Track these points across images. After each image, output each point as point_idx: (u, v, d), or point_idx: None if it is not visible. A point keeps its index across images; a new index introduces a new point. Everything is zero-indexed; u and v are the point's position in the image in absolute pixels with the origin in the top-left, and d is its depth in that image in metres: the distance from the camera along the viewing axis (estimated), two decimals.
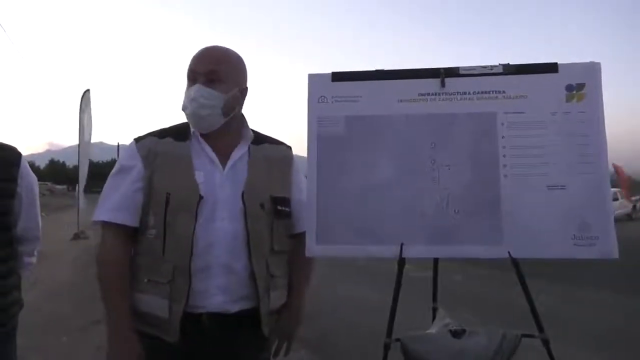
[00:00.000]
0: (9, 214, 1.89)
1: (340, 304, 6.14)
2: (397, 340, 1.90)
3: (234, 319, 1.63)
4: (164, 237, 1.58)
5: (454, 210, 1.93)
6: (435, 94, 2.01)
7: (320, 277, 7.49)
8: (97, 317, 5.38)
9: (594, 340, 5.00)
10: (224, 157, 1.70)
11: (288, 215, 1.81)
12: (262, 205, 1.68)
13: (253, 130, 1.85)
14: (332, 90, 2.05)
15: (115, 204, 1.62)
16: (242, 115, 1.84)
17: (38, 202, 2.05)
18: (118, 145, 65.18)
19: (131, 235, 1.66)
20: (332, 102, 2.03)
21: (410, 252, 1.92)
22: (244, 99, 1.78)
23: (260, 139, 1.85)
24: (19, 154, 2.00)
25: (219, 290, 1.61)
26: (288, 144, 1.95)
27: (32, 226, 2.00)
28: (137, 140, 1.72)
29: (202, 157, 1.68)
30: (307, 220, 1.92)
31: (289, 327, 1.84)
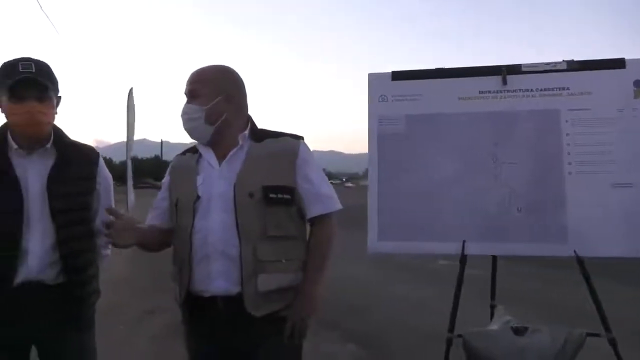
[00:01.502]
0: (89, 209, 2.00)
1: (389, 300, 6.13)
2: (459, 336, 1.91)
3: (237, 301, 1.74)
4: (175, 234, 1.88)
5: (517, 208, 1.93)
6: (497, 92, 2.00)
7: (369, 274, 7.49)
8: (151, 308, 5.63)
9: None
10: (223, 159, 1.85)
11: (287, 202, 1.82)
12: (250, 195, 1.76)
13: (260, 129, 1.94)
14: (392, 89, 2.07)
15: (151, 212, 1.99)
16: (248, 118, 1.95)
17: (113, 198, 2.18)
18: (161, 142, 66.90)
19: (165, 232, 1.94)
20: (393, 101, 2.06)
21: (472, 250, 1.93)
22: (235, 105, 1.89)
23: (262, 136, 1.91)
24: (97, 154, 2.13)
25: (220, 275, 1.76)
26: (299, 135, 1.95)
27: (105, 220, 2.12)
28: (173, 159, 2.07)
29: (204, 162, 1.88)
30: (368, 217, 1.96)
31: (298, 310, 1.88)
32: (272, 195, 1.78)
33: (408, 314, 5.42)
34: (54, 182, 1.85)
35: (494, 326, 2.03)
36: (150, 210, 1.98)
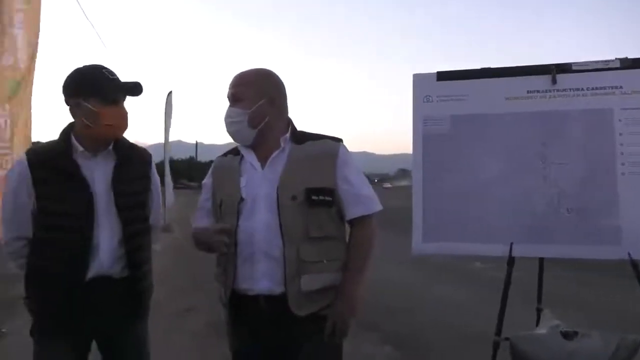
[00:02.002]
0: (147, 206, 2.10)
1: (427, 302, 6.07)
2: (506, 339, 1.88)
3: (280, 300, 1.77)
4: None
5: (566, 209, 1.89)
6: (546, 91, 1.97)
7: (407, 276, 7.43)
8: (190, 306, 5.76)
9: None
10: (265, 161, 1.88)
11: (328, 203, 1.85)
12: (293, 197, 1.79)
13: (300, 131, 1.97)
14: (437, 89, 2.06)
15: (196, 213, 2.04)
16: (288, 120, 1.99)
17: (160, 196, 2.27)
18: (196, 144, 68.11)
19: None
20: (438, 101, 2.05)
21: (519, 251, 1.90)
22: (276, 108, 1.92)
23: (303, 138, 1.93)
24: (150, 154, 2.23)
25: (264, 275, 1.80)
26: (338, 137, 1.97)
27: (158, 217, 2.22)
28: (215, 161, 2.11)
29: (246, 164, 1.92)
30: (413, 218, 1.95)
31: (339, 310, 1.88)
32: (314, 197, 1.81)
33: (446, 316, 5.36)
34: (118, 182, 1.95)
35: (542, 330, 1.99)
36: (196, 210, 2.03)
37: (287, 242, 1.78)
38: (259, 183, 1.86)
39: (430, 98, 2.04)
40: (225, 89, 1.99)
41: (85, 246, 1.86)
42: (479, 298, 5.87)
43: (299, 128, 1.99)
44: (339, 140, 1.95)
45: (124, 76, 1.97)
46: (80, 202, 1.87)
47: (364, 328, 4.76)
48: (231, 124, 1.90)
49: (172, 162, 17.85)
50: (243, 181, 1.88)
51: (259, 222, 1.82)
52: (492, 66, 2.12)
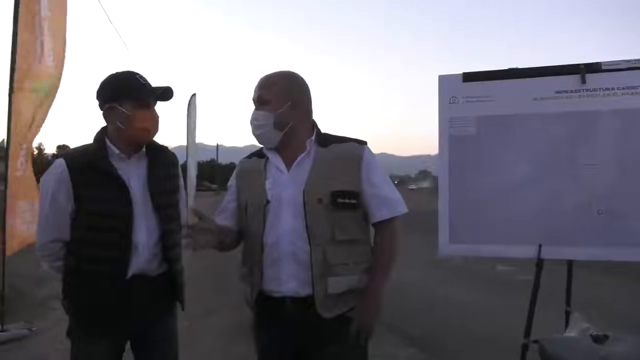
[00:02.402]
0: (178, 205, 2.15)
1: (449, 304, 6.03)
2: (535, 341, 1.86)
3: (306, 302, 1.78)
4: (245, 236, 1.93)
5: (598, 211, 1.86)
6: (575, 91, 1.94)
7: (427, 278, 7.39)
8: (214, 307, 5.81)
9: None
10: (290, 164, 1.89)
11: (353, 206, 1.85)
12: (319, 200, 1.80)
13: (324, 134, 1.96)
14: (463, 90, 2.05)
15: (218, 212, 2.03)
16: (313, 123, 1.97)
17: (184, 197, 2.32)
18: (217, 146, 68.72)
19: (237, 233, 1.98)
20: (464, 102, 2.04)
21: (548, 254, 1.87)
22: (302, 110, 1.92)
23: (328, 141, 1.93)
24: (176, 156, 2.28)
25: (290, 277, 1.81)
26: (363, 140, 1.98)
27: (184, 217, 2.26)
28: (239, 163, 2.12)
29: (271, 166, 1.92)
30: (439, 219, 1.95)
31: (364, 312, 1.88)
32: (339, 200, 1.82)
33: (469, 319, 5.31)
34: (152, 182, 2.00)
35: (571, 333, 1.96)
36: (218, 212, 2.04)
37: (314, 244, 1.79)
38: (285, 186, 1.87)
39: (456, 99, 2.03)
40: (246, 92, 2.00)
41: (125, 245, 1.91)
42: (503, 301, 5.80)
43: (322, 130, 2.00)
44: (364, 143, 1.95)
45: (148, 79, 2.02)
46: (119, 203, 1.92)
47: (387, 330, 4.74)
48: (257, 127, 1.91)
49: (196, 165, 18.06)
50: (268, 184, 1.88)
51: (285, 225, 1.83)
52: (519, 67, 2.09)
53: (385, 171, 1.99)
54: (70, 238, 1.96)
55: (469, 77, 2.05)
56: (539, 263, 1.84)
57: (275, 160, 1.93)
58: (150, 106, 1.98)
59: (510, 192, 1.92)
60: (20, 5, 4.68)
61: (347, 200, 1.83)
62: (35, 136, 5.20)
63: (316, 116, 2.00)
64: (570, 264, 2.18)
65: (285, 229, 1.82)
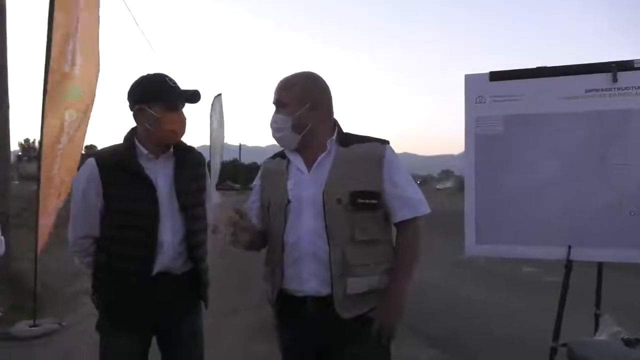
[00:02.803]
0: (202, 205, 2.19)
1: (471, 306, 5.96)
2: (564, 345, 1.83)
3: (327, 302, 1.79)
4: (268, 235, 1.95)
5: (629, 212, 1.81)
6: (606, 90, 1.90)
7: (449, 279, 7.33)
8: (237, 306, 5.87)
9: None
10: (311, 164, 1.90)
11: (374, 206, 1.84)
12: (338, 200, 1.80)
13: (346, 133, 1.96)
14: (490, 90, 2.03)
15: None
16: (334, 122, 1.97)
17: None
18: (240, 146, 69.24)
19: (260, 234, 1.98)
20: (491, 101, 2.01)
21: (577, 255, 1.84)
22: (322, 111, 1.93)
23: (350, 141, 1.93)
24: (203, 156, 2.32)
25: (311, 276, 1.82)
26: (385, 139, 1.96)
27: (210, 216, 2.30)
28: (263, 163, 2.14)
29: (293, 167, 1.93)
30: (465, 219, 1.93)
31: (385, 313, 1.86)
32: (359, 201, 1.82)
33: (492, 321, 5.24)
34: (179, 182, 2.05)
35: (601, 336, 1.93)
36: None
37: (333, 245, 1.80)
38: (306, 186, 1.88)
39: (483, 99, 2.01)
40: (268, 92, 2.02)
41: (151, 243, 1.96)
42: (529, 303, 5.71)
43: (343, 130, 2.00)
44: (386, 142, 1.94)
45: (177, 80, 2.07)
46: (147, 202, 1.97)
47: (408, 331, 4.72)
48: (276, 130, 1.92)
49: (220, 164, 18.22)
50: (290, 184, 1.90)
51: (306, 225, 1.84)
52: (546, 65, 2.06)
53: (408, 171, 1.98)
54: (100, 235, 2.02)
55: (496, 76, 2.02)
56: (568, 265, 1.81)
57: (296, 161, 1.94)
58: (178, 109, 2.03)
59: (539, 192, 1.89)
60: (55, 7, 4.78)
61: (367, 201, 1.83)
62: (71, 136, 5.22)
63: (338, 115, 2.01)
64: (600, 266, 2.13)
65: (305, 228, 1.84)
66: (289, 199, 1.87)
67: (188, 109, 2.09)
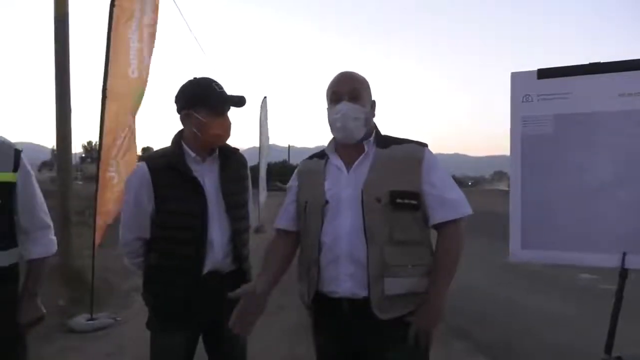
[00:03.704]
0: (245, 206, 2.24)
1: (520, 311, 5.75)
2: (618, 358, 1.72)
3: (364, 304, 1.76)
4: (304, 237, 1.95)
5: None
6: None
7: (498, 283, 7.10)
8: (280, 305, 5.94)
9: None
10: (350, 164, 1.90)
11: (413, 207, 1.82)
12: (378, 199, 1.78)
13: (384, 135, 1.97)
14: (537, 88, 1.93)
15: (280, 214, 2.06)
16: (374, 124, 1.97)
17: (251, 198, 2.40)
18: (289, 147, 70.11)
19: (293, 236, 2.02)
20: (538, 100, 1.92)
21: (633, 263, 1.72)
22: (375, 113, 1.97)
23: (388, 142, 1.93)
24: (245, 158, 2.35)
25: (348, 277, 1.80)
26: (423, 142, 1.95)
27: (252, 216, 2.35)
28: (300, 163, 2.14)
29: (331, 167, 1.94)
30: (510, 223, 1.85)
31: (423, 318, 1.79)
32: (399, 201, 1.80)
33: (543, 328, 5.03)
34: (224, 183, 2.11)
35: None
36: (280, 214, 2.08)
37: (371, 244, 1.78)
38: (344, 186, 1.88)
39: (530, 97, 1.92)
40: (314, 95, 2.02)
41: (201, 243, 2.02)
42: (583, 311, 5.44)
43: (390, 130, 1.99)
44: (424, 145, 1.93)
45: (222, 82, 2.11)
46: (196, 203, 2.03)
47: (455, 336, 4.61)
48: (351, 120, 1.88)
49: (266, 165, 18.51)
50: (328, 184, 1.90)
51: (343, 225, 1.83)
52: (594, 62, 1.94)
53: (448, 172, 1.94)
54: (150, 235, 2.09)
55: (544, 73, 1.93)
56: (623, 273, 1.70)
57: (336, 160, 1.95)
58: (224, 114, 2.09)
59: (591, 196, 1.78)
60: (116, 7, 4.97)
61: (406, 201, 1.81)
62: (127, 139, 5.41)
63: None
64: None
65: (343, 228, 1.83)
66: (326, 200, 1.87)
67: (237, 112, 2.14)
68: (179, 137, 2.12)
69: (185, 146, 2.08)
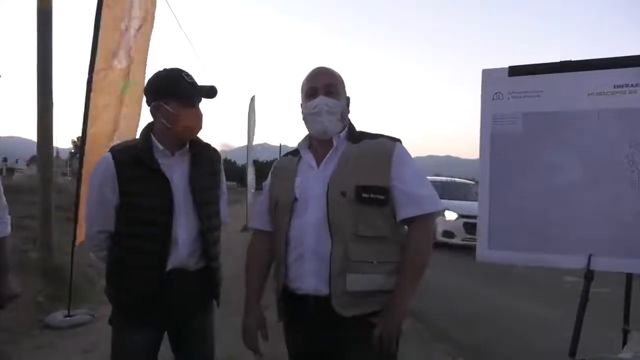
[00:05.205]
0: (217, 202, 2.16)
1: (500, 313, 5.74)
2: None
3: (328, 301, 1.74)
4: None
5: None
6: (636, 85, 1.74)
7: (478, 285, 7.09)
8: (265, 304, 5.89)
9: None
10: (321, 160, 1.88)
11: (380, 202, 1.78)
12: (343, 194, 1.77)
13: (359, 131, 1.95)
14: (508, 85, 1.91)
15: (255, 214, 2.08)
16: (349, 120, 1.96)
17: (226, 194, 2.34)
18: (280, 146, 70.20)
19: (270, 235, 1.99)
20: (509, 98, 1.89)
21: (599, 265, 1.70)
22: (349, 108, 1.96)
23: (360, 137, 1.91)
24: (219, 153, 2.29)
25: (312, 274, 1.79)
26: (396, 137, 1.92)
27: (225, 214, 2.28)
28: (275, 162, 2.13)
29: (304, 164, 1.93)
30: (478, 222, 1.82)
31: (388, 318, 1.77)
32: (364, 195, 1.77)
33: (525, 330, 5.02)
34: (194, 178, 2.03)
35: (626, 355, 1.76)
36: (256, 215, 2.06)
37: (335, 239, 1.75)
38: (312, 182, 1.86)
39: (501, 95, 1.89)
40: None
41: (165, 239, 1.95)
42: (565, 313, 5.43)
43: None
44: (397, 140, 1.89)
45: (213, 82, 2.06)
46: (162, 198, 1.96)
47: (434, 337, 4.58)
48: (328, 113, 1.87)
49: (258, 164, 18.46)
50: (298, 181, 1.88)
51: (309, 220, 1.81)
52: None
53: (419, 169, 1.89)
54: (114, 229, 2.03)
55: (515, 70, 1.90)
56: (588, 274, 1.67)
57: (308, 157, 1.93)
58: (195, 105, 2.02)
59: (559, 196, 1.76)
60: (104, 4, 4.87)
61: (372, 195, 1.78)
62: (119, 134, 5.30)
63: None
64: (629, 277, 1.97)
65: (308, 224, 1.81)
66: (296, 197, 1.85)
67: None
68: (148, 130, 2.06)
69: (154, 139, 2.02)
